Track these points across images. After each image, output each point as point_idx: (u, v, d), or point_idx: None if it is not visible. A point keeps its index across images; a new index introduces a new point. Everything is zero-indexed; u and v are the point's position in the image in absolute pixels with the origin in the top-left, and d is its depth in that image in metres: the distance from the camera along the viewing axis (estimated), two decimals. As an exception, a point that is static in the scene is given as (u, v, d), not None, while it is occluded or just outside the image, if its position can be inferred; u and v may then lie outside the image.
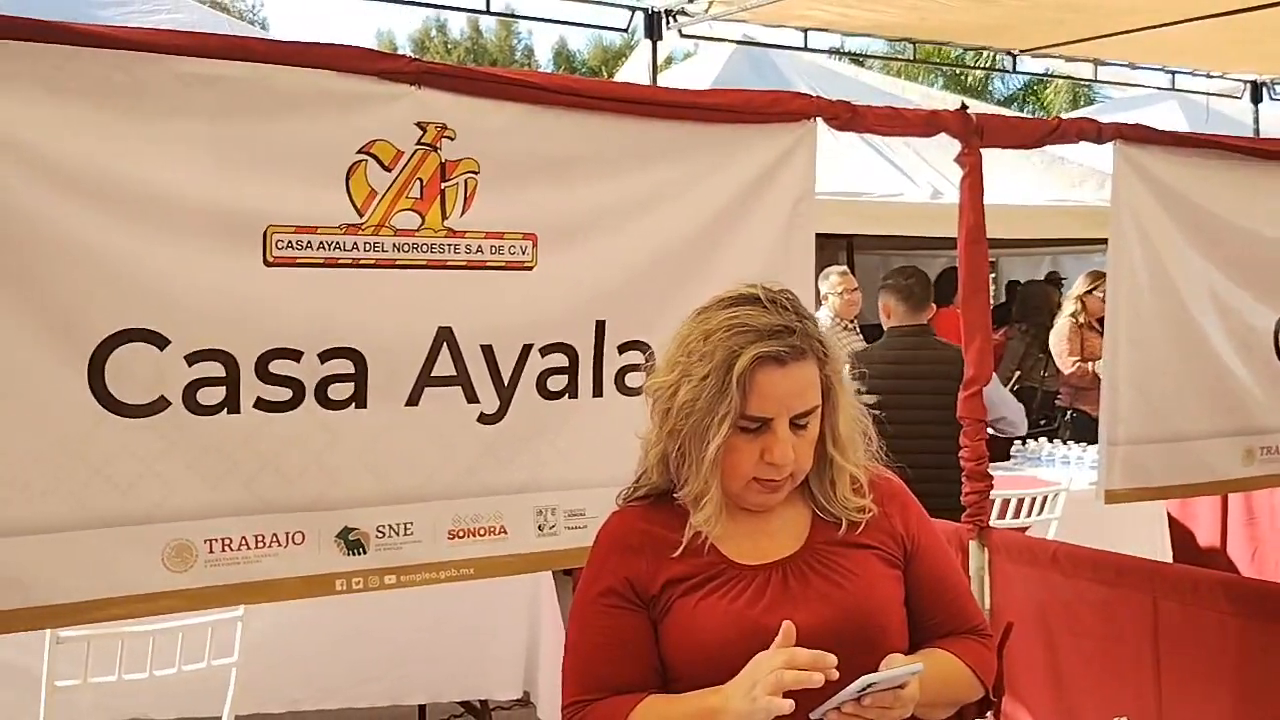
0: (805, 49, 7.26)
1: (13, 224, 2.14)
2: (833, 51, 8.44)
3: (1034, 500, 5.03)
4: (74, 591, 2.28)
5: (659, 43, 6.56)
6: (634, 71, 7.69)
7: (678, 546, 1.73)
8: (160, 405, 2.31)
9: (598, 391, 2.74)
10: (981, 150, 3.10)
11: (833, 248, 9.07)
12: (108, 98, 2.20)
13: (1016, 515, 4.94)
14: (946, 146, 3.16)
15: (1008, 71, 8.24)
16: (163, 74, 2.24)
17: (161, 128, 2.25)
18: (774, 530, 1.79)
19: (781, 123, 2.88)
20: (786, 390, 1.67)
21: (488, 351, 2.60)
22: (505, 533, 2.67)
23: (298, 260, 2.39)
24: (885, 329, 4.90)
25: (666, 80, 6.98)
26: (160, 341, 2.29)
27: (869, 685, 1.56)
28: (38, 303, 2.18)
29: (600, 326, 2.72)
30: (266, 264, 2.36)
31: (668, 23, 6.49)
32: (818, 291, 6.39)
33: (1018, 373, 7.78)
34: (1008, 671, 2.18)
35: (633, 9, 6.51)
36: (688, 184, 2.78)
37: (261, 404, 2.38)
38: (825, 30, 7.00)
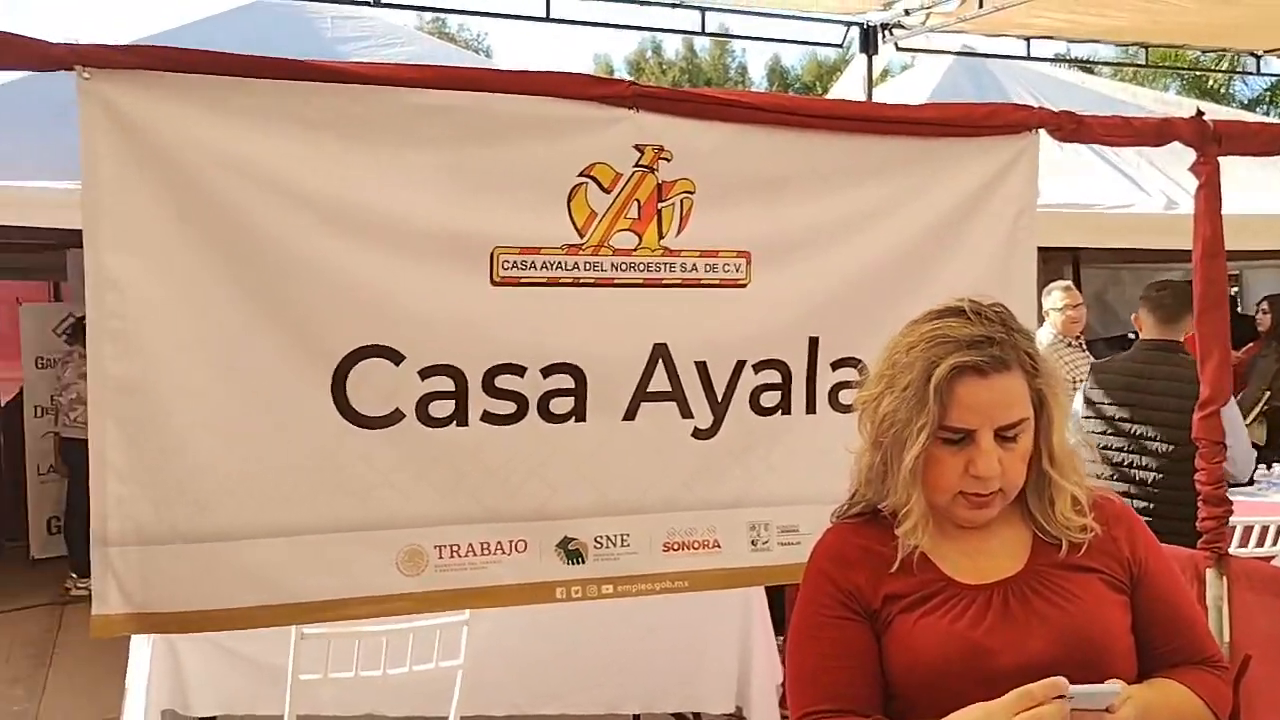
0: (1028, 58, 7.05)
1: (266, 248, 2.32)
2: (1057, 59, 8.15)
3: (1280, 528, 4.71)
4: (318, 591, 2.44)
5: (874, 57, 6.49)
6: (849, 86, 7.64)
7: (893, 562, 1.72)
8: (396, 417, 2.45)
9: (810, 408, 2.74)
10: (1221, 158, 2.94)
11: (1057, 261, 8.74)
12: (347, 129, 2.36)
13: (1260, 544, 4.63)
14: (1181, 153, 3.02)
15: (1251, 74, 7.77)
16: (395, 106, 2.38)
17: (395, 156, 2.40)
18: (993, 550, 1.75)
19: (1001, 135, 2.82)
20: (988, 401, 1.64)
21: (702, 368, 2.64)
22: (719, 547, 2.70)
23: (522, 280, 2.49)
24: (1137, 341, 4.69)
25: (883, 94, 6.91)
26: (396, 357, 2.43)
27: (1061, 696, 1.51)
28: (289, 322, 2.35)
29: (813, 343, 2.72)
30: (493, 283, 2.47)
31: (884, 36, 6.42)
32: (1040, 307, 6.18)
33: (1268, 392, 7.28)
34: (1248, 707, 2.06)
35: (848, 24, 6.47)
36: (903, 200, 2.76)
37: (488, 417, 2.50)
38: (1049, 38, 6.78)
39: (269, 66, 2.29)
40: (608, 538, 2.60)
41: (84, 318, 7.24)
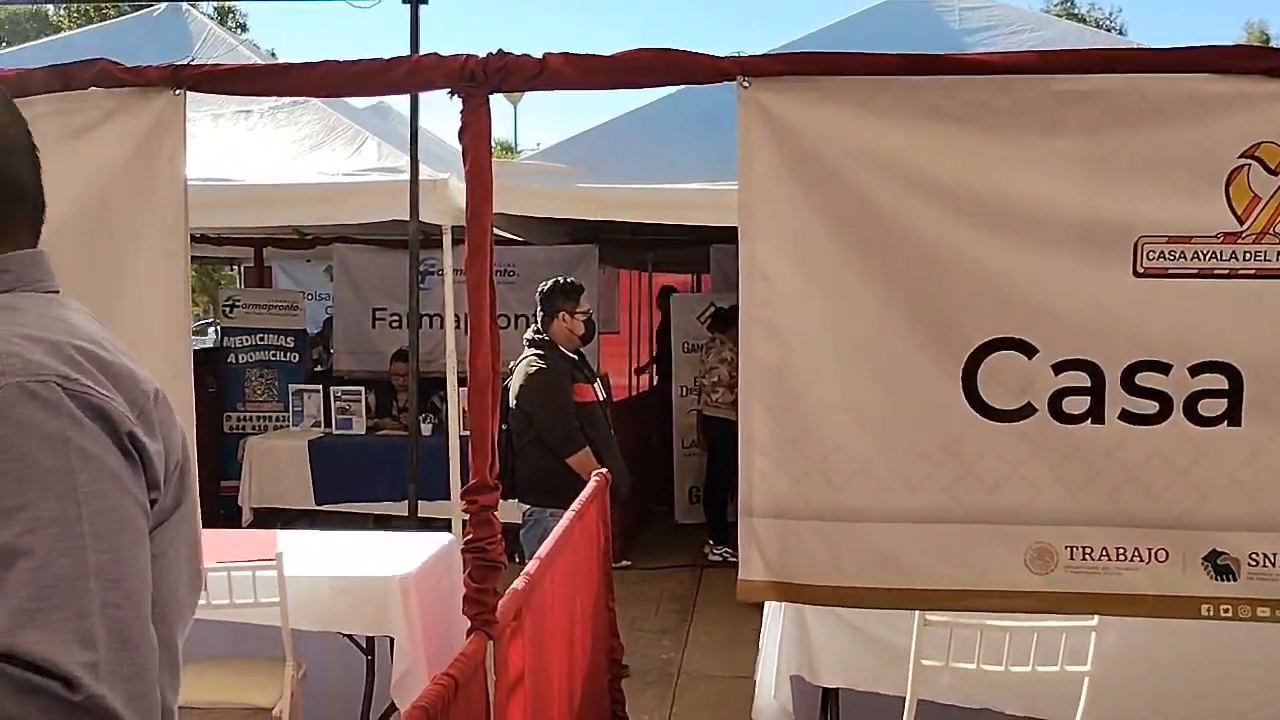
0: None
1: (904, 241, 2.38)
2: None
3: None
4: (942, 579, 2.47)
5: None
6: None
7: None
8: (1027, 411, 2.41)
9: None
10: None
11: None
12: (987, 120, 2.35)
13: None
14: None
15: None
16: (1041, 93, 2.33)
17: (1038, 145, 2.34)
18: None
19: None
20: None
21: None
22: None
23: (1169, 271, 2.33)
24: None
25: None
26: (1029, 350, 2.39)
27: None
28: (924, 312, 2.40)
29: None
30: (1136, 275, 2.34)
31: None
32: None
33: None
34: None
35: None
36: None
37: (1126, 416, 2.38)
38: None
39: (914, 64, 2.34)
40: (1266, 555, 2.36)
41: (723, 307, 7.91)
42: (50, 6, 23.95)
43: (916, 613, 3.17)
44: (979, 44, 7.10)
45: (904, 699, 3.34)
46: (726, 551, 7.59)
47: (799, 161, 2.40)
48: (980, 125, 2.35)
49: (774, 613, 3.72)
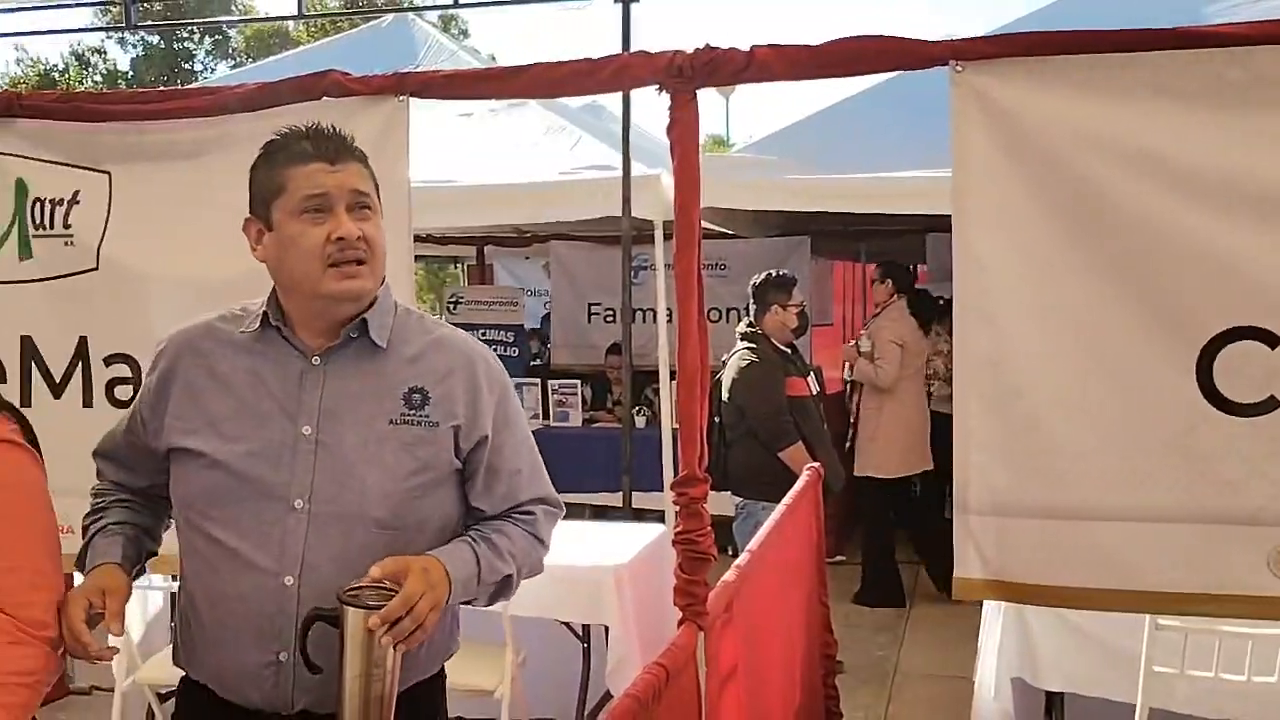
0: None
1: (1130, 225, 2.27)
2: None
3: None
4: (1175, 582, 2.34)
5: None
6: None
7: None
8: (1269, 405, 2.26)
9: None
10: None
11: None
12: (1221, 96, 2.21)
13: None
14: None
15: None
16: None
17: (1277, 121, 2.19)
18: None
19: None
20: None
21: None
22: None
23: None
24: None
25: None
26: (1271, 340, 2.24)
27: None
28: (1153, 301, 2.28)
29: None
30: None
31: None
32: None
33: None
34: None
35: None
36: None
37: None
38: None
39: (1136, 39, 2.22)
40: None
41: (940, 298, 7.67)
42: (290, 24, 25.42)
43: (1146, 616, 3.01)
44: (1218, 14, 6.65)
45: (1134, 707, 3.18)
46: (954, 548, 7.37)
47: (1016, 146, 2.32)
48: (1213, 101, 2.21)
49: (993, 611, 3.60)
